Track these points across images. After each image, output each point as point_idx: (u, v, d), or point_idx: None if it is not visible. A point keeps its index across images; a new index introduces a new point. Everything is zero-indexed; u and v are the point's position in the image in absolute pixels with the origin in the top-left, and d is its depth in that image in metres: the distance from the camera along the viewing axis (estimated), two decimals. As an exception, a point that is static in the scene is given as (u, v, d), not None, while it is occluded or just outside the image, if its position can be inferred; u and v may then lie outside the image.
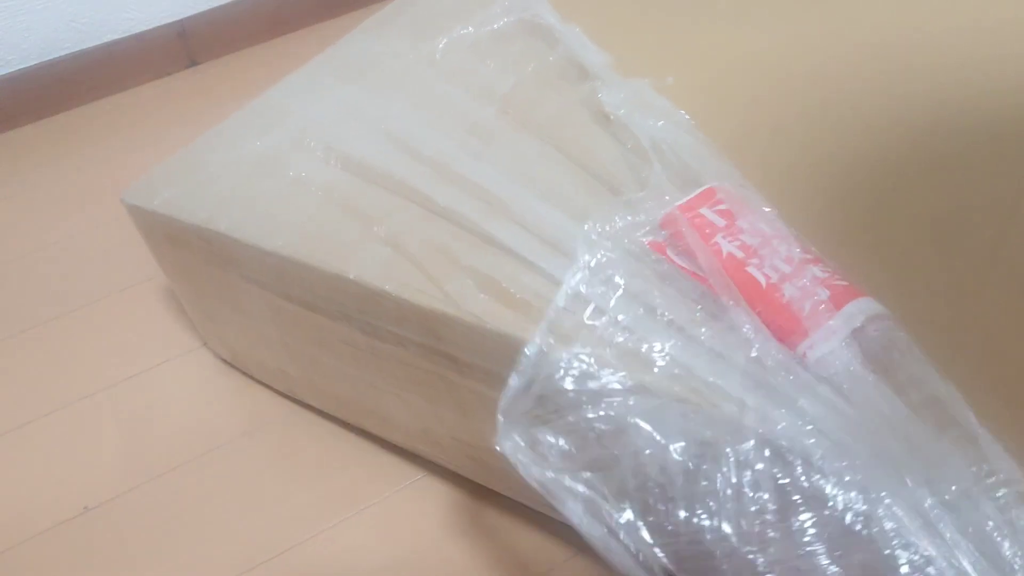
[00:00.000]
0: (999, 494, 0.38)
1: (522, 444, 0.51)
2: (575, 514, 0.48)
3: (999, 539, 0.38)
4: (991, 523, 0.38)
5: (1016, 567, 0.37)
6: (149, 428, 0.80)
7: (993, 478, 0.39)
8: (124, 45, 1.17)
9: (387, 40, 0.80)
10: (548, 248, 0.56)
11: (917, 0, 0.72)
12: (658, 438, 0.44)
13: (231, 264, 0.68)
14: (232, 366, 0.85)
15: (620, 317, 0.49)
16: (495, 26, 0.77)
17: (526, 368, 0.50)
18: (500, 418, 0.51)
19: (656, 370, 0.46)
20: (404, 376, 0.64)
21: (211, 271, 0.71)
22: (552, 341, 0.50)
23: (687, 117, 0.61)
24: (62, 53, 1.15)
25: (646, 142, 0.58)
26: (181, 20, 1.19)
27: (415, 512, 0.71)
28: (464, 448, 0.68)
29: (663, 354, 0.47)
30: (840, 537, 0.40)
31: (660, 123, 0.59)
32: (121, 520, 0.74)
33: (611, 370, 0.46)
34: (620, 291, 0.50)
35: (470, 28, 0.77)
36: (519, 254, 0.56)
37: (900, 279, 0.51)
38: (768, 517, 0.41)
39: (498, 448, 0.51)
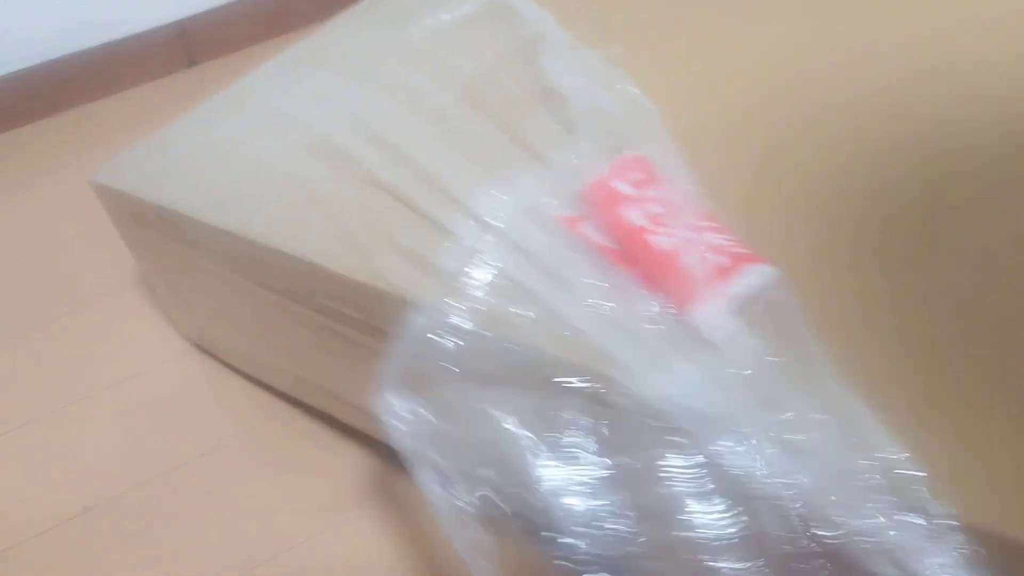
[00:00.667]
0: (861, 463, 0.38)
1: (396, 404, 0.51)
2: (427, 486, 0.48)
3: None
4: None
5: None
6: (149, 428, 0.81)
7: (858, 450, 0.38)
8: (124, 45, 1.18)
9: (365, 28, 0.83)
10: (475, 223, 0.57)
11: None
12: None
13: (188, 243, 0.70)
14: (202, 349, 0.87)
15: (509, 283, 0.51)
16: (467, 11, 0.78)
17: (411, 330, 0.51)
18: (378, 376, 0.51)
19: (531, 328, 0.48)
20: (348, 353, 0.66)
21: (171, 249, 0.74)
22: (438, 304, 0.51)
23: (632, 88, 0.61)
24: (62, 53, 1.15)
25: (581, 115, 0.58)
26: (181, 20, 1.20)
27: (413, 514, 0.72)
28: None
29: (543, 313, 0.48)
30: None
31: (599, 94, 0.60)
32: (121, 520, 0.74)
33: (487, 332, 0.47)
34: (515, 260, 0.51)
35: (444, 15, 0.79)
36: (447, 229, 0.57)
37: (809, 250, 0.51)
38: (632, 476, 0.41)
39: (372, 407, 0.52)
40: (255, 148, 0.70)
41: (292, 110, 0.72)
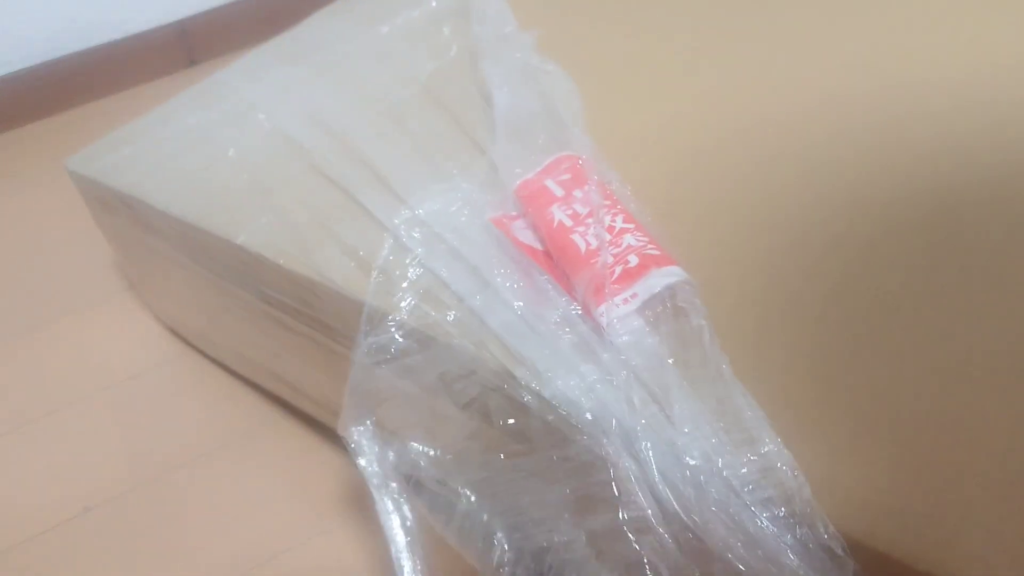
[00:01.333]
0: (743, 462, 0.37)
1: (366, 428, 0.52)
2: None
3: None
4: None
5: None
6: (148, 429, 0.81)
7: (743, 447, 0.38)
8: (124, 45, 1.19)
9: (338, 25, 0.84)
10: (411, 220, 0.57)
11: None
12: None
13: (149, 229, 0.72)
14: (176, 333, 0.88)
15: (435, 283, 0.51)
16: (434, 9, 0.80)
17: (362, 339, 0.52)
18: (347, 395, 0.52)
19: (450, 324, 0.48)
20: (293, 343, 0.67)
21: (135, 236, 0.75)
22: (375, 306, 0.51)
23: (567, 83, 0.62)
24: (62, 53, 1.16)
25: (519, 116, 0.59)
26: (181, 20, 1.21)
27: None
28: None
29: (461, 311, 0.48)
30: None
31: (537, 96, 0.60)
32: (121, 520, 0.75)
33: (411, 339, 0.47)
34: (443, 260, 0.51)
35: (413, 13, 0.80)
36: (384, 225, 0.58)
37: (720, 254, 0.50)
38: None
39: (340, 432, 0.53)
40: (217, 139, 0.71)
41: (258, 104, 0.73)
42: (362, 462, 0.49)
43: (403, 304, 0.51)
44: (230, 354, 0.82)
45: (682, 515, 0.36)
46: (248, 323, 0.71)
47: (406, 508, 0.46)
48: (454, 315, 0.50)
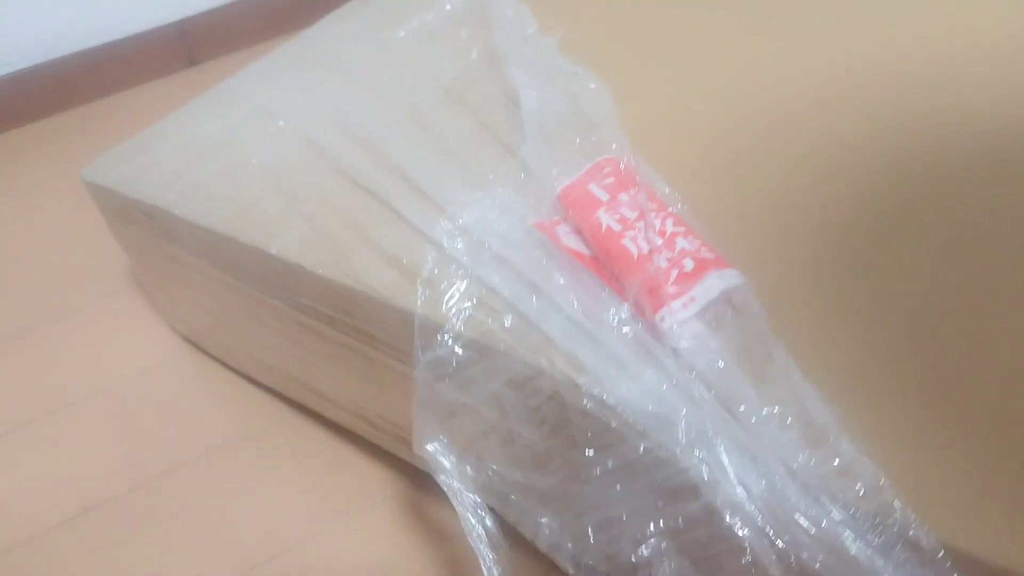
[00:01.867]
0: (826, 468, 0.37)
1: (441, 444, 0.52)
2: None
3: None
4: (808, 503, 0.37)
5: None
6: (149, 429, 0.81)
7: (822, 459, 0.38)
8: (124, 45, 1.18)
9: (351, 28, 0.83)
10: (451, 227, 0.57)
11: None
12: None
13: (172, 239, 0.71)
14: (191, 343, 0.88)
15: (483, 290, 0.51)
16: (451, 11, 0.79)
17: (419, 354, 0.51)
18: (415, 413, 0.52)
19: (506, 332, 0.48)
20: (327, 351, 0.66)
21: (157, 245, 0.74)
22: (427, 317, 0.51)
23: (596, 84, 0.62)
24: (62, 53, 1.15)
25: (554, 119, 0.58)
26: (181, 20, 1.20)
27: (415, 515, 0.72)
28: (393, 428, 0.69)
29: (516, 318, 0.48)
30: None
31: (570, 99, 0.60)
32: (121, 520, 0.74)
33: (470, 350, 0.48)
34: (489, 266, 0.51)
35: (429, 15, 0.79)
36: (423, 232, 0.57)
37: (775, 255, 0.51)
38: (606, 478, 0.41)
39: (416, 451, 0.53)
40: (238, 146, 0.70)
41: (276, 109, 0.72)
42: (443, 478, 0.49)
43: (455, 315, 0.51)
44: (252, 362, 0.82)
45: (758, 518, 0.36)
46: (278, 332, 0.70)
47: (489, 521, 0.46)
48: (510, 322, 0.50)
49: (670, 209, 0.50)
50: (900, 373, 0.43)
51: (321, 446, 0.78)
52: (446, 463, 0.49)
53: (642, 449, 0.42)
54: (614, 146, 0.55)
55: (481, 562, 0.45)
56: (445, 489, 0.50)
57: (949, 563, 0.36)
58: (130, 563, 0.72)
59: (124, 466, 0.78)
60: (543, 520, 0.47)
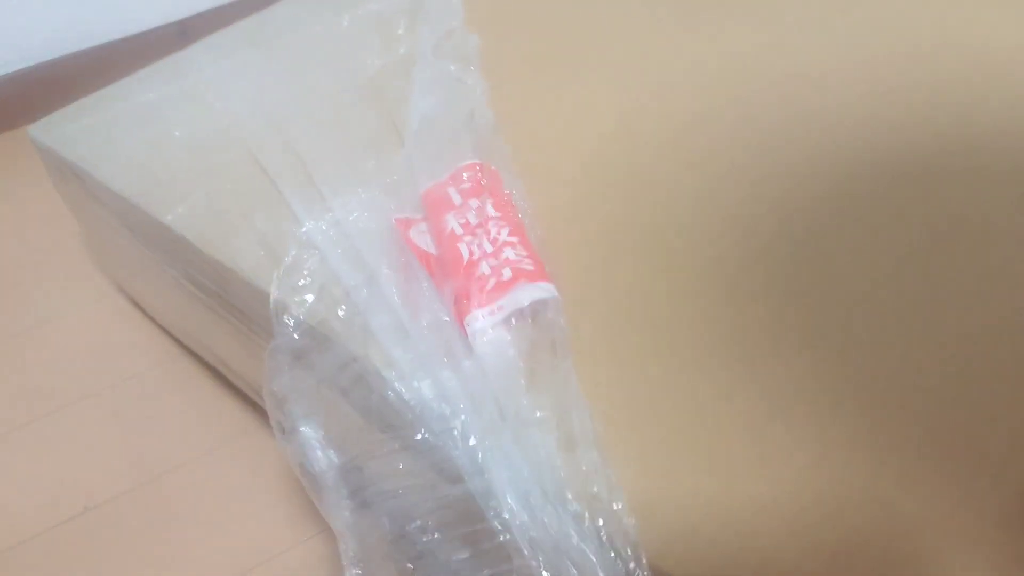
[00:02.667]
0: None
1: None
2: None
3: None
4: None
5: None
6: (148, 429, 0.82)
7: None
8: (124, 45, 1.18)
9: (304, 11, 0.85)
10: (323, 213, 0.58)
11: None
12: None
13: (96, 200, 0.74)
14: (130, 298, 0.91)
15: (333, 279, 0.53)
16: (397, 2, 0.81)
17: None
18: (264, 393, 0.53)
19: (338, 321, 0.50)
20: (219, 324, 0.68)
21: (88, 206, 0.77)
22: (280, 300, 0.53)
23: (484, 90, 0.64)
24: (62, 53, 1.16)
25: (429, 121, 0.60)
26: (181, 20, 1.21)
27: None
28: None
29: (349, 309, 0.50)
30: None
31: (447, 99, 0.62)
32: (121, 520, 0.75)
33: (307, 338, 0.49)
34: (345, 256, 0.52)
35: (376, 4, 0.82)
36: (299, 216, 0.59)
37: (604, 270, 0.52)
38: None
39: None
40: (168, 118, 0.73)
41: (212, 85, 0.75)
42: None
43: (299, 302, 0.53)
44: (173, 324, 0.85)
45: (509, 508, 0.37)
46: (182, 300, 0.72)
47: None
48: (343, 312, 0.51)
49: (515, 219, 0.51)
50: (664, 398, 0.44)
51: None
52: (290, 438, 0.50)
53: (420, 437, 0.42)
54: (487, 151, 0.57)
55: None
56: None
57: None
58: (130, 563, 0.72)
59: (124, 466, 0.79)
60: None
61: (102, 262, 0.91)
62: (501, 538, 0.39)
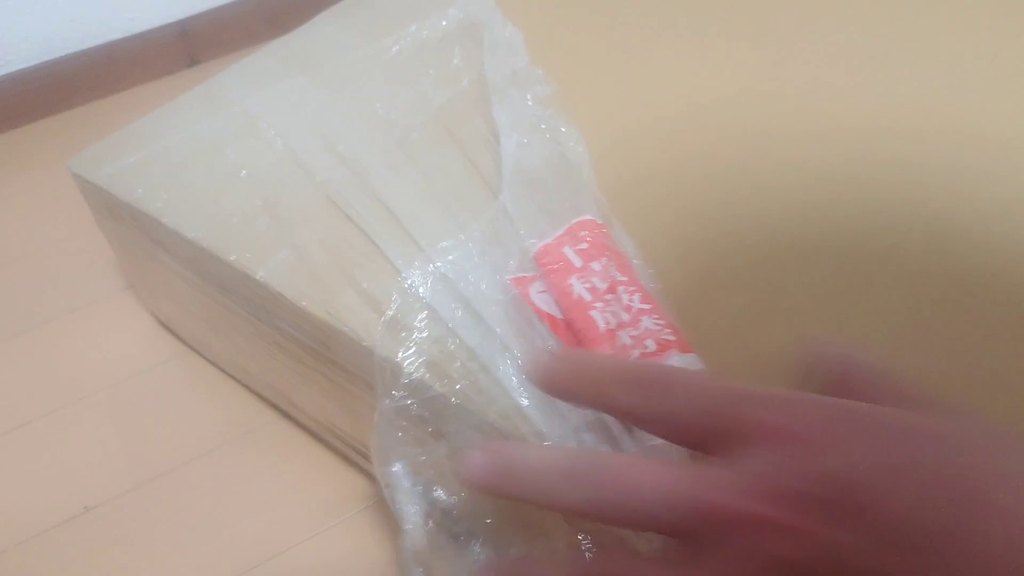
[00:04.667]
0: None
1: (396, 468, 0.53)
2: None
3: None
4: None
5: None
6: (148, 429, 0.82)
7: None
8: (124, 45, 1.18)
9: (342, 33, 0.83)
10: (430, 270, 0.58)
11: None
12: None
13: (157, 244, 0.72)
14: (170, 330, 0.90)
15: (452, 344, 0.53)
16: (444, 29, 0.80)
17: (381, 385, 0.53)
18: (373, 451, 0.53)
19: (470, 390, 0.51)
20: (303, 372, 0.68)
21: (142, 246, 0.75)
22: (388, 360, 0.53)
23: (576, 144, 0.63)
24: (62, 53, 1.15)
25: (526, 167, 0.60)
26: (182, 20, 1.20)
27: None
28: (364, 448, 0.72)
29: (483, 377, 0.51)
30: None
31: (542, 146, 0.61)
32: (121, 520, 0.75)
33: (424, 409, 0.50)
34: (463, 318, 0.53)
35: (423, 31, 0.80)
36: (403, 273, 0.58)
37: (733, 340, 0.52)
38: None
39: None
40: (227, 155, 0.71)
41: (264, 116, 0.73)
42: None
43: (416, 360, 0.53)
44: (230, 363, 0.83)
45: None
46: (256, 346, 0.72)
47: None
48: (474, 380, 0.51)
49: (638, 283, 0.52)
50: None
51: (319, 448, 0.79)
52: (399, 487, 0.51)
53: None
54: (590, 205, 0.57)
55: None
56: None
57: None
58: (130, 563, 0.73)
59: (124, 466, 0.79)
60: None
61: (143, 295, 0.89)
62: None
